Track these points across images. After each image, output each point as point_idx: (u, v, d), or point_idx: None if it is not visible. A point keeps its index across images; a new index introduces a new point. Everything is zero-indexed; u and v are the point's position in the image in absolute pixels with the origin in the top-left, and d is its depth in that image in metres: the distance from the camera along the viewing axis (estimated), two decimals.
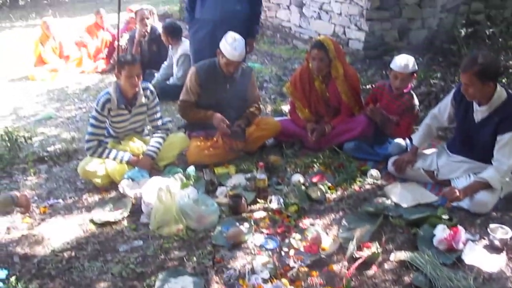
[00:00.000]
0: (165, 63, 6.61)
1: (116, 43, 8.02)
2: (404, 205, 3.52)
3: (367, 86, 6.05)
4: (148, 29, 6.92)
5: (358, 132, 4.29)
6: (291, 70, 7.25)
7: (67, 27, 10.34)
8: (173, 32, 6.25)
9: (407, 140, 4.24)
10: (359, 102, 4.50)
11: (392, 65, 4.16)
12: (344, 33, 7.70)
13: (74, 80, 7.64)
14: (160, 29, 6.73)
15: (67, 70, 7.95)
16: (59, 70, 7.87)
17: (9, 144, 4.73)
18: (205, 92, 4.40)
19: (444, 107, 3.80)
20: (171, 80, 6.38)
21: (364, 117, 4.33)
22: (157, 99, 4.29)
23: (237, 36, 4.21)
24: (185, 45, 6.15)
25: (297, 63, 7.53)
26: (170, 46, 6.43)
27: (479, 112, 3.52)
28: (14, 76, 8.01)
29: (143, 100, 4.15)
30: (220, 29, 4.79)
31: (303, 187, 3.80)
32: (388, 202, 3.58)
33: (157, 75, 6.60)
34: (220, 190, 3.81)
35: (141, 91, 4.12)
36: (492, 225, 3.13)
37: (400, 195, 3.64)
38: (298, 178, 3.90)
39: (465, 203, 3.39)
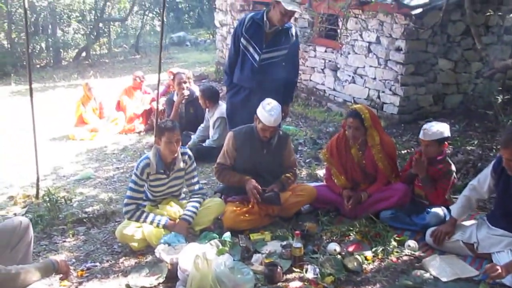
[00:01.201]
0: (202, 125, 6.74)
1: (153, 104, 8.30)
2: (444, 279, 3.44)
3: (403, 151, 6.04)
4: (185, 92, 7.12)
5: (394, 201, 4.26)
6: (325, 133, 7.31)
7: (107, 88, 10.72)
8: (211, 96, 6.40)
9: (445, 210, 4.18)
10: (395, 170, 4.48)
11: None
12: (379, 97, 7.77)
13: (112, 140, 7.84)
14: (197, 92, 6.92)
15: (106, 131, 8.18)
16: (98, 130, 8.10)
17: (49, 205, 4.84)
18: (242, 157, 4.48)
19: (484, 179, 3.76)
20: (207, 142, 6.48)
21: (401, 186, 4.32)
22: (194, 164, 4.37)
23: (273, 102, 4.30)
24: (221, 108, 6.29)
25: (332, 127, 7.59)
26: (206, 109, 6.58)
27: None
28: (55, 135, 8.27)
29: (181, 165, 4.24)
30: (256, 95, 4.94)
31: (339, 257, 3.76)
32: (427, 275, 3.49)
33: (193, 137, 6.73)
34: (256, 257, 3.79)
35: (180, 156, 4.21)
36: None
37: (439, 268, 3.55)
38: (334, 247, 3.86)
39: (507, 280, 3.29)
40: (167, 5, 22.40)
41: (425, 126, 4.15)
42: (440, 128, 4.12)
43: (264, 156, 4.47)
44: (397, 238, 4.01)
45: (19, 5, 17.35)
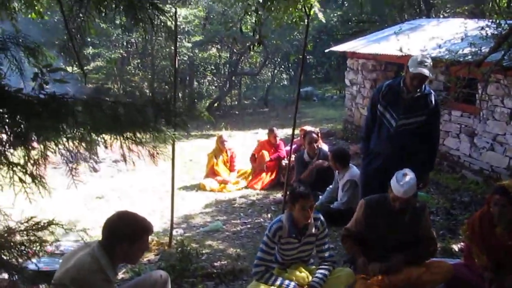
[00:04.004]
0: (330, 186, 6.70)
1: (283, 162, 8.42)
2: None
3: None
4: (316, 151, 7.16)
5: None
6: (459, 203, 6.91)
7: (237, 140, 11.11)
8: (341, 159, 6.35)
9: None
10: None
11: None
12: None
13: (241, 193, 8.05)
14: (327, 151, 6.93)
15: (235, 184, 8.41)
16: (228, 183, 8.35)
17: (181, 256, 5.01)
18: (372, 226, 4.34)
19: None
20: (335, 204, 6.40)
21: None
22: (326, 230, 4.31)
23: (409, 174, 4.14)
24: (352, 171, 6.22)
25: (467, 196, 7.18)
26: (336, 171, 6.53)
27: None
28: (186, 183, 8.67)
29: (313, 230, 4.20)
30: (392, 162, 4.81)
31: None
32: None
33: (321, 198, 6.69)
34: None
35: (312, 221, 4.18)
36: None
37: None
38: None
39: None
40: (296, 60, 23.13)
41: None
42: None
43: (396, 227, 4.29)
44: None
45: (163, 57, 18.85)
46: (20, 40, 1.90)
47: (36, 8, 3.73)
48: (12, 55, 1.88)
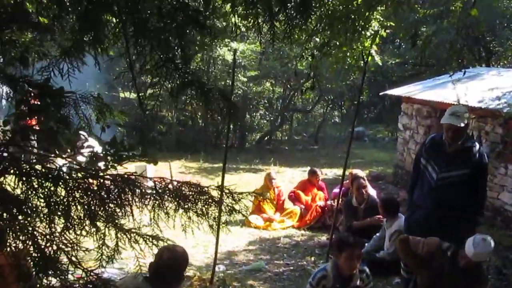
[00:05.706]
0: (377, 234, 6.57)
1: (329, 202, 8.35)
2: None
3: None
4: (365, 197, 7.06)
5: None
6: None
7: (285, 177, 11.07)
8: (390, 208, 6.24)
9: None
10: None
11: None
12: None
13: (285, 232, 7.98)
14: (375, 197, 6.82)
15: (280, 222, 8.36)
16: (273, 221, 8.32)
17: None
18: (428, 265, 4.30)
19: None
20: (381, 253, 6.27)
21: None
22: (371, 284, 4.25)
23: (490, 241, 4.03)
24: (400, 221, 6.08)
25: None
26: (384, 219, 6.41)
27: None
28: (231, 218, 8.65)
29: (358, 282, 4.13)
30: (433, 216, 4.75)
31: None
32: None
33: (367, 245, 6.55)
34: None
35: (358, 273, 4.11)
36: None
37: None
38: None
39: None
40: (349, 98, 23.02)
41: None
42: None
43: (449, 279, 4.19)
44: None
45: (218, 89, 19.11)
46: (91, 98, 2.01)
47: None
48: (82, 113, 1.99)
